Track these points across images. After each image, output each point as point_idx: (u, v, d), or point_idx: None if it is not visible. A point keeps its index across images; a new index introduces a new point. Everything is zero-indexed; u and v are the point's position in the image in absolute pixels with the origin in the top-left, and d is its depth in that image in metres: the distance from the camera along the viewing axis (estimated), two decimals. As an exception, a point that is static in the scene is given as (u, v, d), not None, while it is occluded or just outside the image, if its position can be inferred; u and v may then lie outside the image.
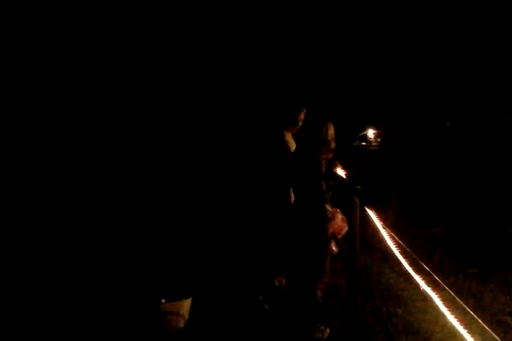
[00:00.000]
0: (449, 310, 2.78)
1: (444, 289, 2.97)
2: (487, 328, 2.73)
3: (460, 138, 13.15)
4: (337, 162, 4.40)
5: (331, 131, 4.16)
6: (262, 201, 4.55)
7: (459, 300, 2.87)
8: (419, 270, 3.50)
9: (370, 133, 14.46)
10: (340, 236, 4.24)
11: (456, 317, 2.71)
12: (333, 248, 4.22)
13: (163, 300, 4.15)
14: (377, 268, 5.32)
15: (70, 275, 4.98)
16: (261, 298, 4.50)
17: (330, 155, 4.22)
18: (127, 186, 8.91)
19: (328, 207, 4.04)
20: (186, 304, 4.23)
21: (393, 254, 3.71)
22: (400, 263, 3.68)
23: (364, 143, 14.65)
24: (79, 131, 10.05)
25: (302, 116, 4.57)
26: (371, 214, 3.96)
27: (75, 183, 8.79)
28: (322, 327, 4.00)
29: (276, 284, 4.69)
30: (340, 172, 4.42)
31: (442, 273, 4.54)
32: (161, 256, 5.56)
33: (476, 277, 5.05)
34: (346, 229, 4.08)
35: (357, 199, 3.78)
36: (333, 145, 4.17)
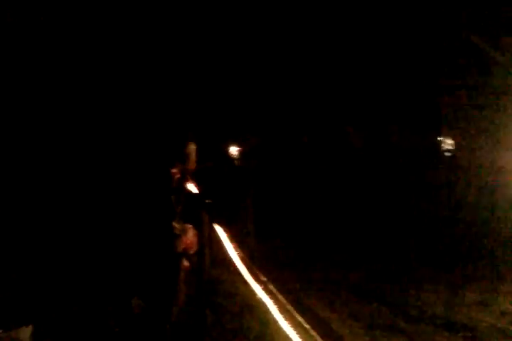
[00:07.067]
0: (283, 317, 2.92)
1: (277, 298, 3.11)
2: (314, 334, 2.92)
3: (317, 154, 13.94)
4: (188, 176, 4.41)
5: (192, 148, 4.16)
6: (109, 216, 4.42)
7: (291, 307, 3.02)
8: (258, 280, 3.64)
9: (234, 150, 14.84)
10: (192, 252, 4.24)
11: (289, 323, 2.86)
12: (185, 264, 4.21)
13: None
14: (225, 281, 5.41)
15: None
16: (112, 323, 4.33)
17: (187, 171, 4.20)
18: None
19: (177, 223, 4.02)
20: (26, 331, 3.94)
21: (236, 266, 3.82)
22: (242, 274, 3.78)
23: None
24: None
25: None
26: (218, 227, 4.03)
27: None
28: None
29: (132, 306, 4.55)
30: (192, 186, 4.44)
31: (280, 282, 4.75)
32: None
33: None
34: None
35: (205, 214, 3.83)
36: (192, 164, 4.17)
